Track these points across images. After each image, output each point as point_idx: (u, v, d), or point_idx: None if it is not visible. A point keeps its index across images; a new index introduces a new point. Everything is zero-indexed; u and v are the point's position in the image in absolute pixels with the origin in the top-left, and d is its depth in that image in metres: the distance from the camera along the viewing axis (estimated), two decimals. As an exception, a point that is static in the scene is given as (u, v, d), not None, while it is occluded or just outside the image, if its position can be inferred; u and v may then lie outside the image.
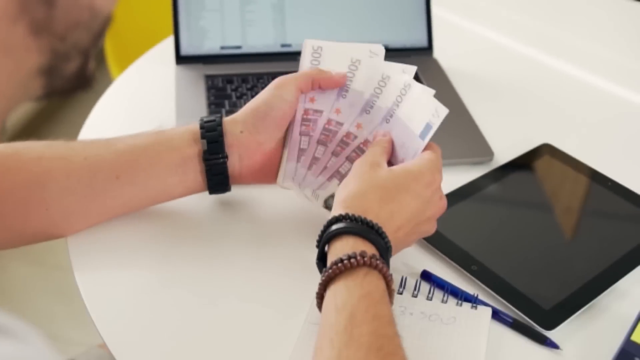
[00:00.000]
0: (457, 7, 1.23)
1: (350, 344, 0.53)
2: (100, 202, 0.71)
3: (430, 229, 0.68)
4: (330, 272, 0.58)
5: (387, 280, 0.59)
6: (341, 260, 0.57)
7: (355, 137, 0.73)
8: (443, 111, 0.67)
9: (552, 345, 0.65)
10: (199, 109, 0.92)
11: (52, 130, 2.01)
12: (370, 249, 0.59)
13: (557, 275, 0.72)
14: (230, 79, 0.98)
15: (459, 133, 0.91)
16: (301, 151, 0.73)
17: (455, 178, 0.83)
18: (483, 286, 0.70)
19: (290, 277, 0.70)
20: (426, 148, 0.68)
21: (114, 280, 0.70)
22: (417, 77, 1.00)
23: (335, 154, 0.73)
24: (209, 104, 0.93)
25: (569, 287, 0.70)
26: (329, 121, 0.73)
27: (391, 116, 0.72)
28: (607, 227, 0.79)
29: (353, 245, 0.59)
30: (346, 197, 0.63)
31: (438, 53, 1.06)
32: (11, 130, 1.98)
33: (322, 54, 0.74)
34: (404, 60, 1.03)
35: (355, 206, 0.62)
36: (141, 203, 0.74)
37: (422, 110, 0.69)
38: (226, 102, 0.93)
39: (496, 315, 0.67)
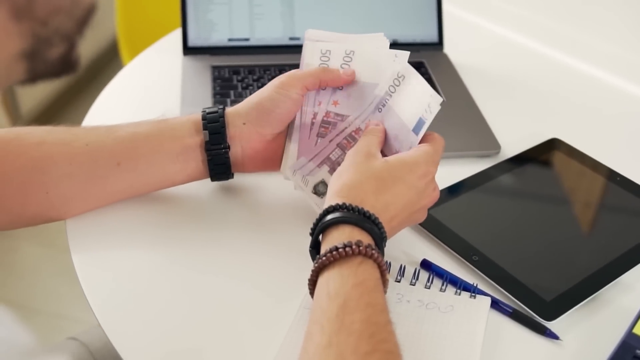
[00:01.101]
0: (467, 2, 1.22)
1: (341, 330, 0.52)
2: (100, 187, 0.71)
3: (422, 217, 0.68)
4: (325, 259, 0.57)
5: (382, 269, 0.58)
6: (336, 248, 0.57)
7: (349, 122, 0.72)
8: (435, 107, 0.65)
9: (552, 336, 0.63)
10: (204, 99, 0.92)
11: (67, 117, 2.03)
12: (366, 239, 0.59)
13: (560, 267, 0.70)
14: (236, 70, 0.97)
15: (466, 126, 0.90)
16: (315, 148, 0.72)
17: (461, 170, 0.82)
18: (484, 276, 0.69)
19: (287, 263, 0.69)
20: (427, 139, 0.67)
21: (110, 262, 0.69)
22: (426, 72, 1.00)
23: (329, 139, 0.72)
24: (214, 94, 0.93)
25: (572, 279, 0.68)
26: (327, 113, 0.73)
27: (383, 106, 0.71)
28: (614, 221, 0.78)
29: (349, 235, 0.58)
30: (342, 187, 0.63)
31: (448, 48, 1.05)
32: (27, 117, 2.01)
33: (331, 58, 0.73)
34: (414, 55, 1.03)
35: (352, 196, 0.61)
36: (141, 189, 0.74)
37: (415, 103, 0.67)
38: (231, 93, 0.93)
39: (496, 305, 0.66)
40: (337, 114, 0.72)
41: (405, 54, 0.71)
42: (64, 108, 2.13)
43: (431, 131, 0.68)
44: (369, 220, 0.59)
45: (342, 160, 0.67)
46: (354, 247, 0.56)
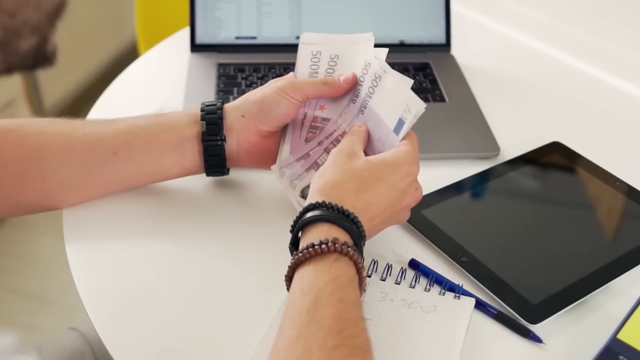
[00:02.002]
0: (478, 3, 1.22)
1: (311, 325, 0.52)
2: (96, 177, 0.73)
3: (404, 217, 0.68)
4: (301, 256, 0.57)
5: (358, 267, 0.58)
6: (312, 245, 0.57)
7: (331, 123, 0.72)
8: (415, 106, 0.65)
9: (535, 339, 0.63)
10: (208, 95, 0.93)
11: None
12: (344, 237, 0.59)
13: (550, 270, 0.70)
14: (242, 67, 0.98)
15: (466, 127, 0.89)
16: (306, 154, 0.73)
17: (457, 171, 0.82)
18: (471, 277, 0.68)
19: (277, 258, 0.68)
20: (404, 138, 0.67)
21: (103, 253, 0.70)
22: (431, 73, 1.00)
23: (319, 144, 0.73)
24: (218, 91, 0.94)
25: (560, 283, 0.68)
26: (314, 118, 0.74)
27: (365, 107, 0.71)
28: (609, 225, 0.77)
29: (327, 232, 0.59)
30: (323, 186, 0.63)
31: (456, 49, 1.05)
32: (50, 113, 2.04)
33: (321, 59, 0.73)
34: (421, 56, 1.03)
35: (332, 195, 0.62)
36: (137, 181, 0.75)
37: (394, 103, 0.67)
38: (235, 90, 0.94)
39: (481, 306, 0.66)
40: (324, 119, 0.73)
41: (383, 51, 0.70)
42: (87, 104, 2.16)
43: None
44: (347, 218, 0.60)
45: None
46: (329, 244, 0.57)
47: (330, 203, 0.60)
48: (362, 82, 0.71)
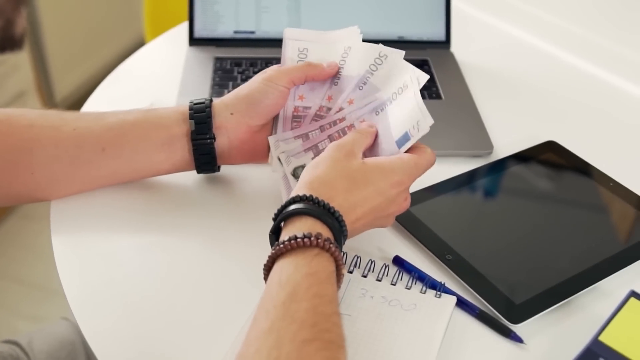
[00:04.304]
0: (480, 1, 1.21)
1: (285, 317, 0.52)
2: (84, 171, 0.73)
3: (388, 223, 0.68)
4: (282, 247, 0.57)
5: (338, 263, 0.58)
6: (295, 238, 0.57)
7: (343, 115, 0.73)
8: (424, 126, 0.65)
9: (516, 339, 0.62)
10: (203, 89, 0.93)
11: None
12: (327, 233, 0.59)
13: (536, 270, 0.69)
14: (239, 62, 0.98)
15: (460, 125, 0.89)
16: (305, 135, 0.73)
17: (449, 169, 0.81)
18: (455, 276, 0.68)
19: (261, 253, 0.68)
20: (417, 152, 0.66)
21: (89, 246, 0.71)
22: (429, 70, 0.99)
23: (321, 128, 0.73)
24: (213, 85, 0.94)
25: (546, 283, 0.67)
26: (320, 107, 0.73)
27: (382, 110, 0.71)
28: (599, 226, 0.76)
29: (311, 227, 0.59)
30: (313, 180, 0.63)
31: (456, 47, 1.04)
32: (62, 106, 2.05)
33: (308, 55, 0.73)
34: (419, 53, 1.02)
35: (322, 191, 0.61)
36: (126, 176, 0.75)
37: (406, 116, 0.67)
38: (230, 84, 0.94)
39: (463, 305, 0.65)
40: (305, 107, 0.73)
41: (423, 76, 0.69)
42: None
43: (425, 145, 0.67)
44: (332, 216, 0.59)
45: None
46: (312, 238, 0.57)
47: (317, 198, 0.60)
48: (373, 71, 0.71)
